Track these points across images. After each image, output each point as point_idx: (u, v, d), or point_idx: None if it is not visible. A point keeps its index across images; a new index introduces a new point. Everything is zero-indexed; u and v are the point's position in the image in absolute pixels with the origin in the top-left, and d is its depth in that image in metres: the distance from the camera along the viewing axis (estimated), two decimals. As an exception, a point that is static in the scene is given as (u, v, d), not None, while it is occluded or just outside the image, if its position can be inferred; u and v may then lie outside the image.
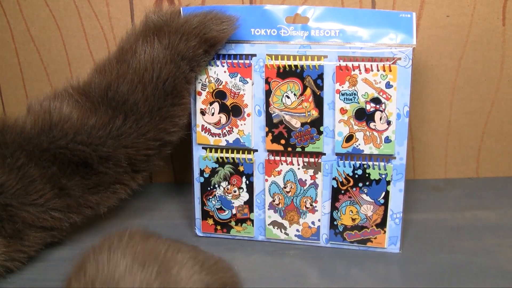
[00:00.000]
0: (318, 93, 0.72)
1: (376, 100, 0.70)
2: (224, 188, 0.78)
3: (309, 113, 0.73)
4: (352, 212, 0.74)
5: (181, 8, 0.74)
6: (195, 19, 0.72)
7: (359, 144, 0.72)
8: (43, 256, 0.75)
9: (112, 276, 0.52)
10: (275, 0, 0.87)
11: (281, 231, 0.77)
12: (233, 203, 0.78)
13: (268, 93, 0.73)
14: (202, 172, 0.78)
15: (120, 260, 0.54)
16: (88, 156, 0.70)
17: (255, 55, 0.74)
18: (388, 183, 0.72)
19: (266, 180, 0.76)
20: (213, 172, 0.77)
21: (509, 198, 0.88)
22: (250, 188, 0.77)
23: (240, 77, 0.74)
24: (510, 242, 0.76)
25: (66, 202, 0.72)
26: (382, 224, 0.73)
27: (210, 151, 0.77)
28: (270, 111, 0.74)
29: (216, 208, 0.78)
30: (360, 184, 0.73)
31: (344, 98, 0.71)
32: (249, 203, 0.77)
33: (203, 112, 0.76)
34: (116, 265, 0.53)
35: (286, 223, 0.77)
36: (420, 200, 0.88)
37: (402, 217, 0.73)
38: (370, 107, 0.71)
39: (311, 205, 0.75)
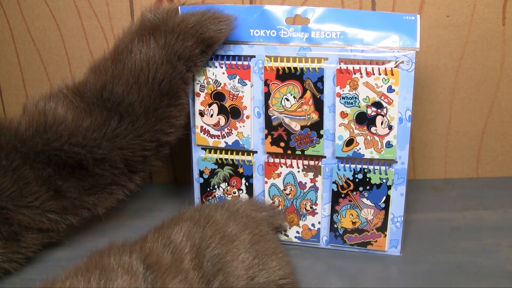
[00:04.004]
0: (318, 96, 0.68)
1: (378, 105, 0.66)
2: (223, 189, 0.74)
3: (309, 116, 0.68)
4: (352, 215, 0.70)
5: (178, 7, 0.70)
6: (192, 18, 0.67)
7: (360, 149, 0.67)
8: (42, 256, 0.72)
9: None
10: (275, 0, 0.83)
11: (281, 233, 0.73)
12: (233, 204, 0.74)
13: (267, 95, 0.69)
14: (201, 173, 0.74)
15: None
16: (83, 158, 0.67)
17: (254, 56, 0.69)
18: (389, 187, 0.68)
19: (266, 182, 0.72)
20: (213, 173, 0.74)
21: (509, 198, 0.85)
22: (249, 190, 0.73)
23: (238, 79, 0.70)
24: (510, 242, 0.73)
25: (62, 204, 0.69)
26: (382, 228, 0.69)
27: (210, 152, 0.74)
28: (269, 114, 0.70)
29: (215, 210, 0.75)
30: (361, 188, 0.69)
31: (345, 102, 0.66)
32: (249, 205, 0.73)
33: (201, 114, 0.72)
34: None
35: (286, 224, 0.73)
36: (420, 200, 0.85)
37: (403, 221, 0.70)
38: (371, 111, 0.66)
39: (311, 207, 0.71)
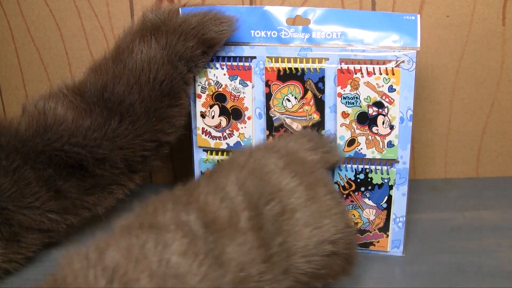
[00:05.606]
0: (319, 97, 0.67)
1: (379, 104, 0.66)
2: (224, 190, 0.74)
3: (310, 116, 0.68)
4: (354, 216, 0.70)
5: (179, 8, 0.70)
6: (194, 19, 0.67)
7: (361, 148, 0.67)
8: (42, 256, 0.72)
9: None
10: (276, 1, 0.83)
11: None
12: (234, 206, 0.74)
13: (268, 96, 0.69)
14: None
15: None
16: (83, 158, 0.66)
17: (255, 57, 0.69)
18: (391, 187, 0.67)
19: (267, 183, 0.72)
20: (214, 174, 0.73)
21: (509, 198, 0.85)
22: (250, 191, 0.73)
23: (240, 80, 0.69)
24: (510, 242, 0.72)
25: (63, 204, 0.68)
26: (385, 228, 0.69)
27: (211, 154, 0.73)
28: (271, 115, 0.69)
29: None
30: (362, 189, 0.68)
31: (346, 102, 0.66)
32: (250, 206, 0.73)
33: (203, 115, 0.72)
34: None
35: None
36: (420, 200, 0.84)
37: (405, 221, 0.69)
38: (372, 111, 0.66)
39: (312, 208, 0.71)
